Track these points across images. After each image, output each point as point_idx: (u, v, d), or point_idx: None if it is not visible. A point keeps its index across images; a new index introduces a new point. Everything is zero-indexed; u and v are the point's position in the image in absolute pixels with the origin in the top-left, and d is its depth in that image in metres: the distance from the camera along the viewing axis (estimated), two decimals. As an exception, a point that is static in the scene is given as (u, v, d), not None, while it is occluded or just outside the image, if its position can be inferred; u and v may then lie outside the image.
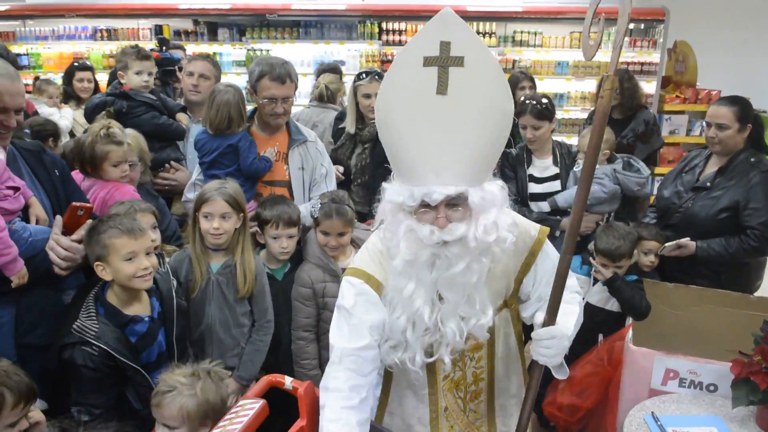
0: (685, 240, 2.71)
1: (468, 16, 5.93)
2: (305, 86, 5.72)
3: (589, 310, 2.57)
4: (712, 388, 2.14)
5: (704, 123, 2.83)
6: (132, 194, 2.35)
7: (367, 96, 3.30)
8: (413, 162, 1.36)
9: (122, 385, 1.84)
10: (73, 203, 1.90)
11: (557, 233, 2.91)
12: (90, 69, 4.56)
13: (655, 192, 3.20)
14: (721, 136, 2.71)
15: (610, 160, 3.10)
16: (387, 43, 6.18)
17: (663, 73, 5.98)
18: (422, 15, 6.06)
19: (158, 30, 6.34)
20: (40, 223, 1.88)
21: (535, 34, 6.09)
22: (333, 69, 4.81)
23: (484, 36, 5.82)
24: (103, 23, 6.48)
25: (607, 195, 3.00)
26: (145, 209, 2.16)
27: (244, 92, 2.75)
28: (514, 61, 6.05)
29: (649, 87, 5.97)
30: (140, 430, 1.80)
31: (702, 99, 5.72)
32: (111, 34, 6.48)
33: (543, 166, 3.11)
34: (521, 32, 6.08)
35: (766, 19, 7.75)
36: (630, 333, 2.33)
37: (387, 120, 1.38)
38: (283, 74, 2.58)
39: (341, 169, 3.46)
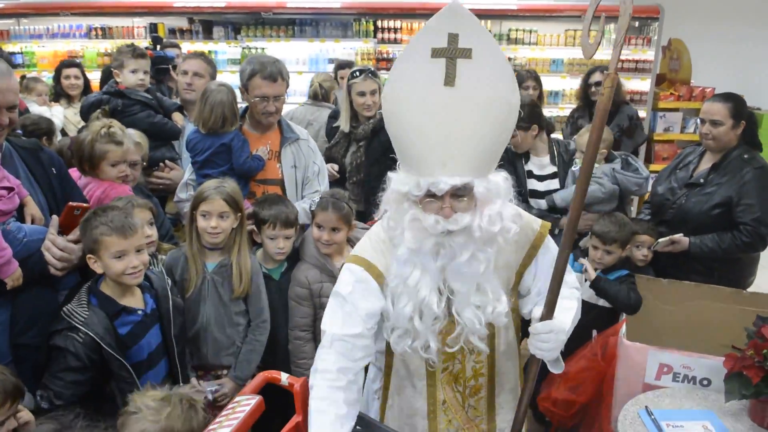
0: (679, 236, 2.72)
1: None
2: (301, 85, 5.71)
3: (583, 306, 2.58)
4: (705, 382, 2.16)
5: (698, 120, 2.85)
6: (128, 195, 2.34)
7: (362, 94, 3.28)
8: (419, 152, 1.37)
9: (105, 383, 1.82)
10: (70, 203, 1.88)
11: (556, 231, 2.92)
12: (77, 65, 4.55)
13: (649, 189, 3.21)
14: (715, 133, 2.73)
15: (609, 159, 3.11)
16: (382, 41, 6.18)
17: (657, 71, 6.00)
18: (418, 13, 6.07)
19: (153, 28, 6.32)
20: (36, 222, 1.86)
21: (531, 32, 6.10)
22: (349, 65, 4.82)
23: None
24: (97, 21, 6.45)
25: (606, 195, 3.01)
26: (142, 205, 2.16)
27: (237, 91, 2.75)
28: (510, 59, 6.06)
29: (643, 84, 5.99)
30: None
31: (696, 96, 5.74)
32: (106, 33, 6.45)
33: (540, 164, 3.11)
34: (516, 30, 6.09)
35: (760, 16, 7.78)
36: (624, 328, 2.35)
37: (394, 110, 1.40)
38: (275, 72, 2.58)
39: (336, 167, 3.46)
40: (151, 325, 1.94)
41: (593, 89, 4.39)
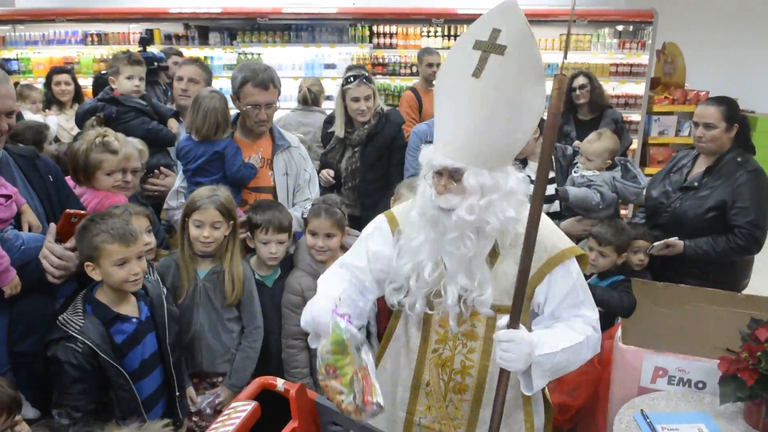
0: (674, 239, 2.73)
1: (458, 19, 5.98)
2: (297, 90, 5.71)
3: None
4: (700, 385, 2.16)
5: (692, 123, 2.87)
6: (124, 204, 2.32)
7: (356, 99, 3.27)
8: (438, 130, 1.52)
9: (105, 391, 1.82)
10: (67, 210, 1.88)
11: None
12: (68, 71, 4.55)
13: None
14: (709, 136, 2.74)
15: (610, 166, 3.12)
16: (378, 46, 6.20)
17: (652, 75, 6.04)
18: (413, 18, 6.09)
19: (149, 34, 6.32)
20: (33, 230, 1.86)
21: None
22: (360, 68, 4.84)
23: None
24: (93, 28, 6.46)
25: (606, 204, 3.03)
26: (139, 212, 2.16)
27: (228, 97, 2.73)
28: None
29: (638, 88, 6.02)
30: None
31: (691, 100, 5.77)
32: (101, 39, 6.45)
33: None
34: (511, 35, 6.11)
35: (753, 20, 7.83)
36: (619, 331, 2.36)
37: (435, 88, 1.55)
38: (267, 80, 2.57)
39: (332, 173, 3.46)
40: (146, 333, 1.94)
41: (577, 92, 4.43)
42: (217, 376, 2.32)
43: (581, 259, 1.63)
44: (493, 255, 1.59)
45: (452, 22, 6.04)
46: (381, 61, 6.20)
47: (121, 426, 1.55)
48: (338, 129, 3.42)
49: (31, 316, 1.84)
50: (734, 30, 7.76)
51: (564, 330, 1.58)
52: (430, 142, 1.59)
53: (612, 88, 6.05)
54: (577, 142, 4.14)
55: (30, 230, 1.85)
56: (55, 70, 4.47)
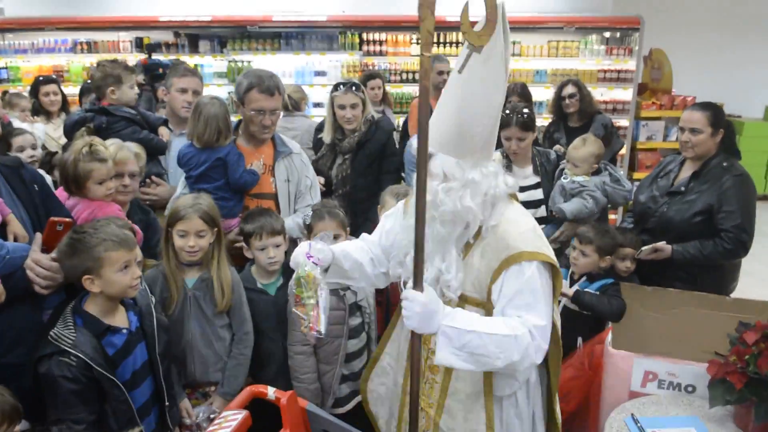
0: (662, 244, 2.75)
1: (447, 26, 6.01)
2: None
3: (568, 314, 2.62)
4: (690, 389, 2.18)
5: (678, 128, 2.90)
6: (117, 214, 2.28)
7: (342, 107, 3.32)
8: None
9: (101, 403, 1.80)
10: (52, 218, 1.85)
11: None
12: (54, 81, 4.54)
13: (632, 197, 3.26)
14: (695, 141, 2.77)
15: (597, 171, 3.15)
16: (368, 53, 6.23)
17: (639, 80, 6.10)
18: (402, 26, 6.12)
19: (139, 42, 6.33)
20: (19, 240, 1.83)
21: (514, 43, 6.17)
22: (377, 75, 4.96)
23: (459, 45, 5.88)
24: (83, 36, 6.43)
25: (598, 209, 3.06)
26: (123, 226, 2.13)
27: (226, 103, 2.75)
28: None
29: (626, 94, 6.08)
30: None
31: (678, 105, 5.84)
32: (91, 47, 6.43)
33: (523, 174, 3.14)
34: (500, 41, 6.16)
35: (738, 26, 7.94)
36: (609, 336, 2.37)
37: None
38: (272, 87, 2.59)
39: (322, 180, 3.47)
40: (136, 343, 1.92)
41: (567, 101, 4.47)
42: (210, 385, 2.30)
43: (554, 271, 1.64)
44: (468, 246, 1.68)
45: (442, 29, 6.07)
46: (371, 68, 6.21)
47: None
48: (326, 135, 3.45)
49: (18, 326, 1.81)
50: (720, 35, 7.87)
51: (493, 320, 1.60)
52: None
53: (600, 94, 6.10)
54: (558, 146, 4.19)
55: (16, 240, 1.82)
56: (42, 81, 4.45)
